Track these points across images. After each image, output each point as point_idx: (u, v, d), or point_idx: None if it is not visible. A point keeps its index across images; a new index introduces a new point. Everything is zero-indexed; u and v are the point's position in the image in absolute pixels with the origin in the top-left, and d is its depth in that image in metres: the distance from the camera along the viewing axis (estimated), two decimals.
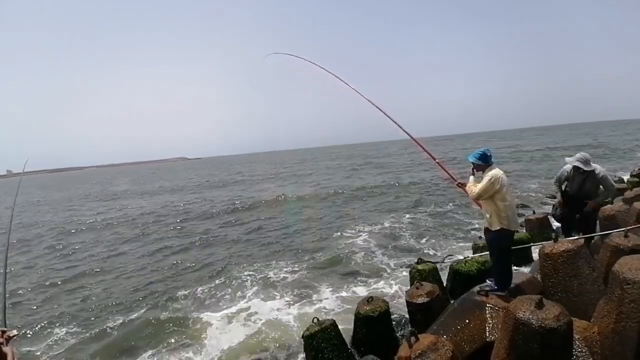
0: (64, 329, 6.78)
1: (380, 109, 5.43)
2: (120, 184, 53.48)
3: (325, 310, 6.39)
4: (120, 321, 6.86)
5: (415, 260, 5.91)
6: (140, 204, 26.00)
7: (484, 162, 3.70)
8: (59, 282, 9.52)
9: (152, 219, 18.29)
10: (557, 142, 49.74)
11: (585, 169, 4.79)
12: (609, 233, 4.26)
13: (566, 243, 3.71)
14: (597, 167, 4.88)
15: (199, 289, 7.99)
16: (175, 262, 10.35)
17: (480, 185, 3.63)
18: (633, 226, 4.57)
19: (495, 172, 3.61)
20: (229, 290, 7.80)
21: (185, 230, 15.03)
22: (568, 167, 5.09)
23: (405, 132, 5.29)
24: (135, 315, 7.08)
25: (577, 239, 4.17)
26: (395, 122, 5.34)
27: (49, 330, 6.80)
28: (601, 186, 4.92)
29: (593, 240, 5.06)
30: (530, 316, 2.60)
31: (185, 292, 7.88)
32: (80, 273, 10.19)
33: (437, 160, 4.85)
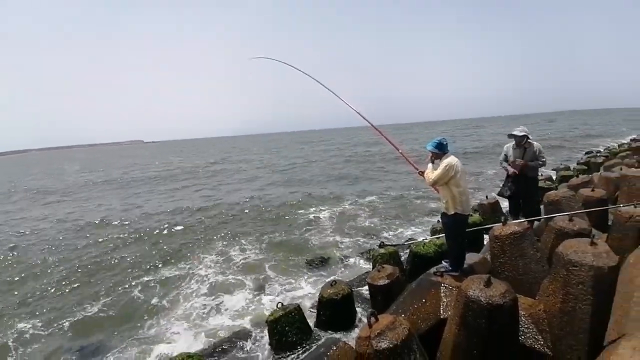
0: None
1: (350, 106, 5.52)
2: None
3: (290, 295, 6.48)
4: (79, 317, 6.51)
5: (378, 244, 6.13)
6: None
7: (440, 150, 3.86)
8: None
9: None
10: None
11: (519, 134, 5.14)
12: (554, 217, 4.58)
13: (513, 226, 3.99)
14: (535, 143, 5.24)
15: (158, 280, 7.75)
16: (123, 255, 9.89)
17: (436, 172, 3.81)
18: (578, 211, 4.96)
19: (450, 159, 3.77)
20: (189, 280, 7.64)
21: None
22: (509, 144, 5.45)
23: (370, 122, 5.43)
24: (93, 309, 6.76)
25: (522, 221, 4.48)
26: (361, 115, 5.44)
27: None
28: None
29: (537, 223, 5.46)
30: (479, 294, 2.79)
31: (144, 284, 7.62)
32: None
33: (400, 151, 4.99)
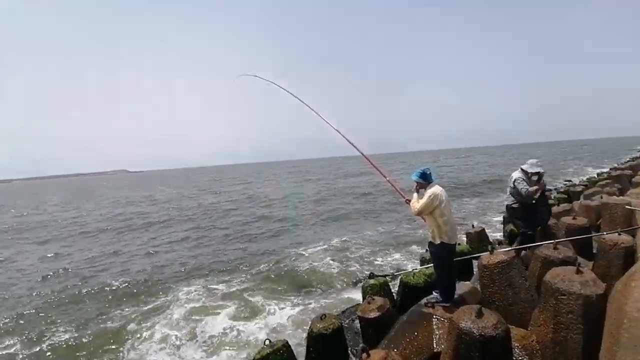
0: None
1: (339, 131, 5.66)
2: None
3: (278, 328, 6.25)
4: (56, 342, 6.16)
5: (368, 275, 6.05)
6: None
7: (424, 180, 3.95)
8: None
9: None
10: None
11: (533, 170, 5.13)
12: (539, 245, 4.63)
13: (500, 255, 4.01)
14: (514, 174, 5.23)
15: (144, 309, 7.42)
16: (109, 282, 9.50)
17: (421, 202, 3.86)
18: (562, 239, 5.04)
19: (434, 189, 3.84)
20: (177, 310, 7.33)
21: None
22: (516, 174, 5.19)
23: (359, 151, 5.50)
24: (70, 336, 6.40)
25: (508, 250, 4.52)
26: (349, 142, 5.53)
27: None
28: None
29: (523, 252, 5.51)
30: (471, 325, 2.76)
31: (127, 313, 7.26)
32: None
33: (387, 179, 5.07)
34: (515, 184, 5.08)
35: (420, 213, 3.90)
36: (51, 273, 11.29)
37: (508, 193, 5.27)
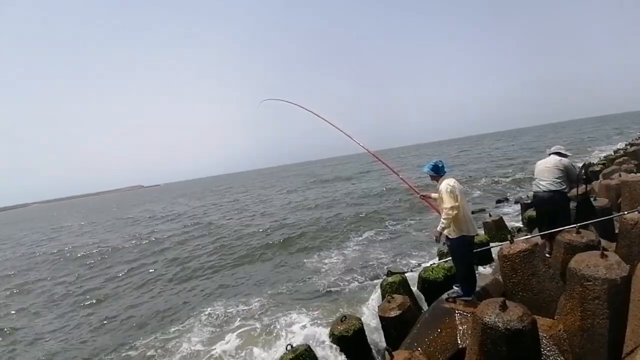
0: None
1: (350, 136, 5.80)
2: None
3: (299, 334, 6.19)
4: None
5: (385, 273, 5.97)
6: None
7: (435, 172, 3.87)
8: None
9: None
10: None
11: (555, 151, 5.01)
12: (561, 230, 4.46)
13: (521, 243, 3.91)
14: (558, 160, 4.95)
15: (160, 332, 7.41)
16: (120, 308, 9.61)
17: (447, 203, 3.64)
18: (584, 222, 4.86)
19: (447, 181, 3.76)
20: (192, 325, 7.34)
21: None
22: (563, 159, 4.91)
23: (371, 153, 5.58)
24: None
25: (529, 237, 4.40)
26: (360, 144, 5.68)
27: None
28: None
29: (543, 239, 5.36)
30: (496, 319, 2.67)
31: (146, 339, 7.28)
32: None
33: (400, 176, 5.02)
34: (570, 168, 4.76)
35: (453, 210, 3.62)
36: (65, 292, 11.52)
37: (553, 178, 4.75)
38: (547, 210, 4.88)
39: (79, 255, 18.21)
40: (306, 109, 6.54)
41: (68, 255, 18.78)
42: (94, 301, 10.30)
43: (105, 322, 8.65)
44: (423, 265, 6.80)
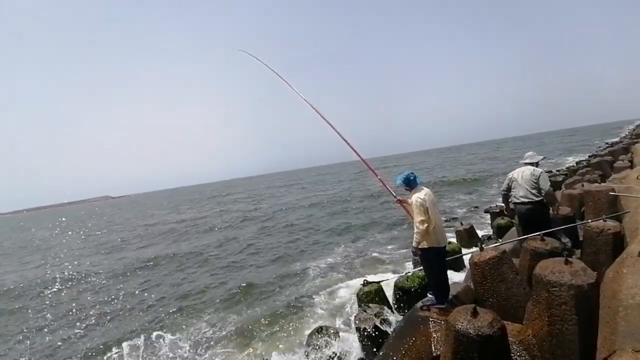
0: None
1: (334, 128, 5.49)
2: None
3: (273, 346, 6.06)
4: None
5: (361, 283, 5.97)
6: None
7: (407, 185, 3.94)
8: None
9: None
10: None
11: (531, 161, 5.11)
12: (526, 238, 4.62)
13: (490, 251, 4.01)
14: (531, 170, 5.03)
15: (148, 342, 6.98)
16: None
17: (417, 217, 3.71)
18: (548, 230, 5.04)
19: (417, 195, 3.80)
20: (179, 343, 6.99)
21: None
22: (535, 169, 4.99)
23: (356, 152, 5.40)
24: None
25: (497, 245, 4.53)
26: (346, 141, 5.42)
27: None
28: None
29: (511, 246, 5.52)
30: (468, 326, 2.71)
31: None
32: None
33: (379, 177, 5.01)
34: (542, 178, 4.81)
35: (425, 223, 3.69)
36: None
37: (530, 189, 4.83)
38: (527, 220, 4.97)
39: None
40: (284, 80, 6.05)
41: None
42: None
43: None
44: (398, 274, 6.86)
